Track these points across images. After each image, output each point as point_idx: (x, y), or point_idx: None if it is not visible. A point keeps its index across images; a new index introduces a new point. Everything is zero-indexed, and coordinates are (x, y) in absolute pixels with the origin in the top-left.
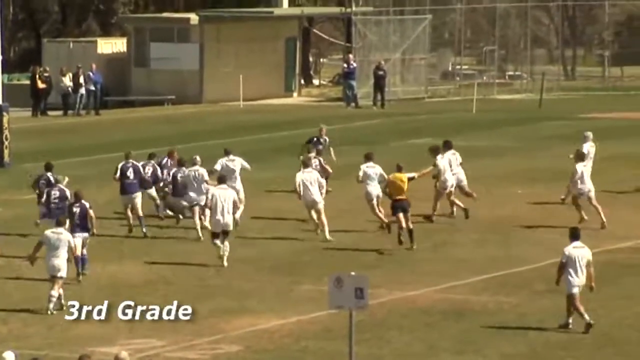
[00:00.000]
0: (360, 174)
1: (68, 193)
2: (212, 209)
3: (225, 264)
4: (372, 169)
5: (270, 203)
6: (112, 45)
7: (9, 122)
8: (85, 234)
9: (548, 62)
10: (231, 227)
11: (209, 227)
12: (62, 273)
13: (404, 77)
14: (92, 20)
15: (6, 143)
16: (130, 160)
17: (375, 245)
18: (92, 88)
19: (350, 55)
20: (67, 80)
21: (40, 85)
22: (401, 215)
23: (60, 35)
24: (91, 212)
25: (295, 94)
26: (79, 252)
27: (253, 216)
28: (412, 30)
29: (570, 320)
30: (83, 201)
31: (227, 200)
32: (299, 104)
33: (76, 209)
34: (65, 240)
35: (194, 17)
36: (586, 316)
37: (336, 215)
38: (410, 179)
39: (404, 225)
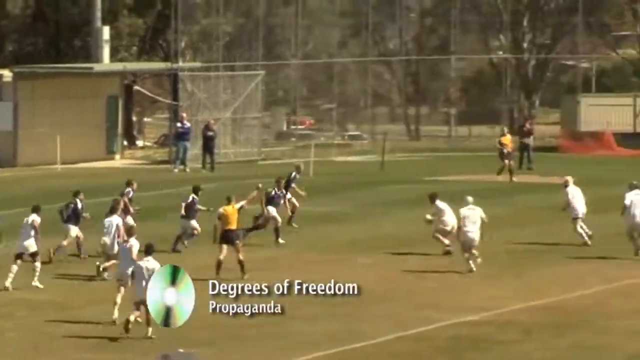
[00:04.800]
0: None
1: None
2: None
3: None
4: None
5: None
6: None
7: None
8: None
9: (390, 121)
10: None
11: None
12: None
13: (236, 138)
14: None
15: None
16: None
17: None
18: None
19: (184, 114)
20: None
21: None
22: (225, 246)
23: None
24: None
25: (117, 156)
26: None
27: None
28: (244, 87)
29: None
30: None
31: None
32: (123, 167)
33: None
34: None
35: (7, 74)
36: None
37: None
38: (239, 209)
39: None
